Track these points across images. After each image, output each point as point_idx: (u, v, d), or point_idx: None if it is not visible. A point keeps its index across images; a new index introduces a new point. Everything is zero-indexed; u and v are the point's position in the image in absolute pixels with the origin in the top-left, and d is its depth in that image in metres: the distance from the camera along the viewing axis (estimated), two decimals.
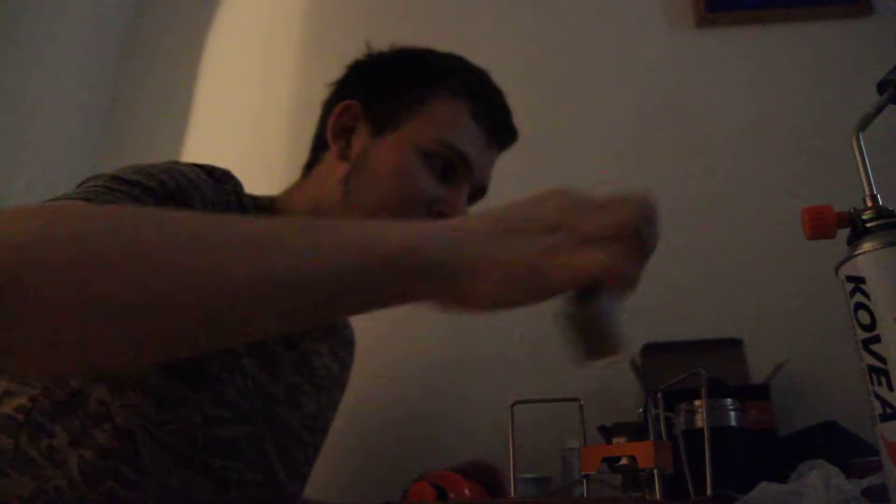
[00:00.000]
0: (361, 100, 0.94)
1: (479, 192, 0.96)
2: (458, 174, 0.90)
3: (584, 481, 0.65)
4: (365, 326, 1.48)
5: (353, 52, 1.01)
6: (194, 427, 0.75)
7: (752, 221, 1.48)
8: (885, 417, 0.53)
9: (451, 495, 0.91)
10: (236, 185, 0.84)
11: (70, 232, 0.44)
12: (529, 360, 1.42)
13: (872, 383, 0.54)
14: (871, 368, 0.54)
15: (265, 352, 0.85)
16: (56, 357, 0.45)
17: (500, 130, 0.97)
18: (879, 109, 0.61)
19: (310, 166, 0.97)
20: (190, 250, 0.45)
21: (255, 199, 0.87)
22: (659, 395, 0.67)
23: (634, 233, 0.51)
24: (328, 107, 0.97)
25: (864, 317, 0.55)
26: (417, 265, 0.48)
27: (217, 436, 0.77)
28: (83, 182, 0.70)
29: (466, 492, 0.92)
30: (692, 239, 1.48)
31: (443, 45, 1.67)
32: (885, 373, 0.53)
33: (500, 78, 1.63)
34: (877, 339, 0.53)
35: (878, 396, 0.53)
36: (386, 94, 0.93)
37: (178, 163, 0.80)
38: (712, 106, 1.59)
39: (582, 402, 0.72)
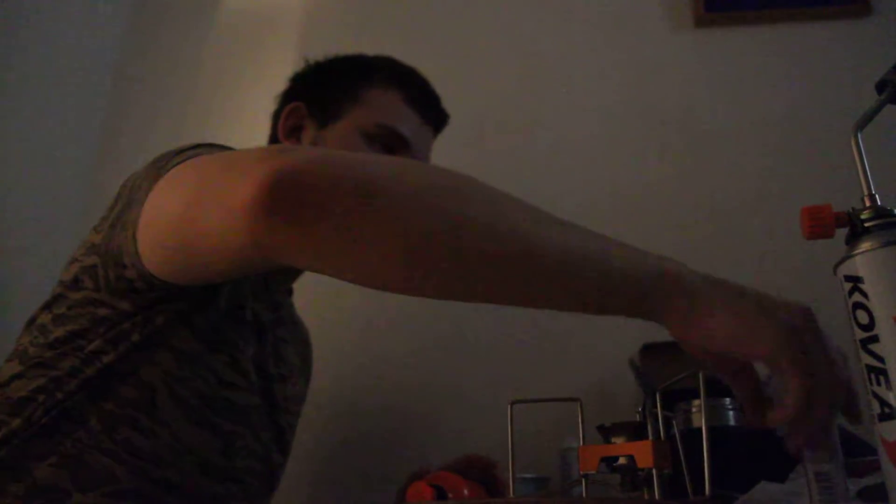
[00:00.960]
0: (305, 101, 1.06)
1: None
2: (398, 152, 1.03)
3: (583, 481, 0.65)
4: (365, 327, 1.48)
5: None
6: (209, 386, 0.81)
7: (751, 220, 1.48)
8: (883, 417, 0.53)
9: (451, 495, 0.91)
10: None
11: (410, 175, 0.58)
12: (528, 360, 1.42)
13: (871, 383, 0.54)
14: (870, 368, 0.54)
15: (264, 331, 0.91)
16: (383, 263, 0.56)
17: (432, 111, 1.10)
18: (878, 109, 0.61)
19: None
20: (498, 215, 0.58)
21: None
22: (658, 394, 0.67)
23: (824, 388, 0.57)
24: (277, 115, 1.08)
25: (863, 316, 0.55)
26: (676, 285, 0.58)
27: (229, 399, 0.84)
28: (186, 150, 0.75)
29: (465, 491, 0.92)
30: (690, 237, 1.48)
31: (444, 48, 1.68)
32: (884, 372, 0.53)
33: (499, 79, 1.64)
34: (875, 339, 0.54)
35: (876, 396, 0.53)
36: (327, 92, 1.05)
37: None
38: (711, 106, 1.59)
39: (582, 403, 0.72)
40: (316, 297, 1.51)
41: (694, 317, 0.58)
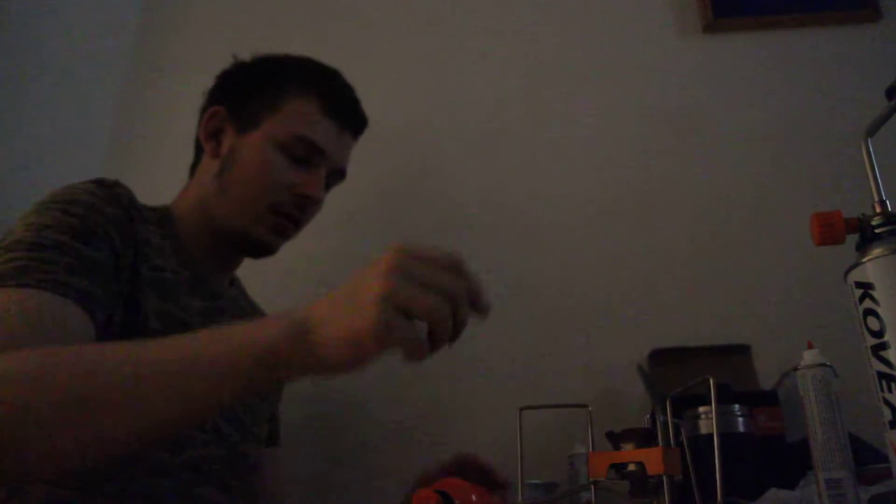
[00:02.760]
0: (226, 105, 1.08)
1: (337, 173, 1.12)
2: (313, 160, 1.05)
3: (592, 487, 0.65)
4: None
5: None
6: None
7: (761, 227, 1.47)
8: (894, 424, 0.53)
9: (458, 502, 0.90)
10: (128, 192, 0.95)
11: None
12: (536, 366, 1.41)
13: (882, 390, 0.54)
14: (881, 375, 0.54)
15: (191, 329, 0.94)
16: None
17: (349, 118, 1.11)
18: (889, 115, 0.61)
19: (193, 167, 1.12)
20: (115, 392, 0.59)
21: (147, 207, 0.99)
22: (668, 401, 0.67)
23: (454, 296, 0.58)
24: (201, 113, 1.10)
25: (874, 323, 0.55)
26: (278, 360, 0.59)
27: None
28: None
29: (473, 497, 0.91)
30: (700, 244, 1.48)
31: (451, 52, 1.68)
32: (895, 379, 0.52)
33: (508, 83, 1.64)
34: (886, 346, 0.53)
35: (887, 403, 0.53)
36: (246, 98, 1.07)
37: (74, 188, 0.88)
38: (720, 111, 1.59)
39: (591, 409, 0.71)
40: None
41: (321, 368, 0.59)
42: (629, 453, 0.63)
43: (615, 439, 0.67)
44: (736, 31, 1.66)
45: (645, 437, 0.64)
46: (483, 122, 1.63)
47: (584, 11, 1.71)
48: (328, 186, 1.11)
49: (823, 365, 0.71)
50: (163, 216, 1.01)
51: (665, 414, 0.65)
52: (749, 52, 1.64)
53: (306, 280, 1.51)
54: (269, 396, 1.15)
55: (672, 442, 0.65)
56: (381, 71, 1.69)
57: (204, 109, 1.11)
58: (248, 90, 1.09)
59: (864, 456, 0.79)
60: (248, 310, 1.16)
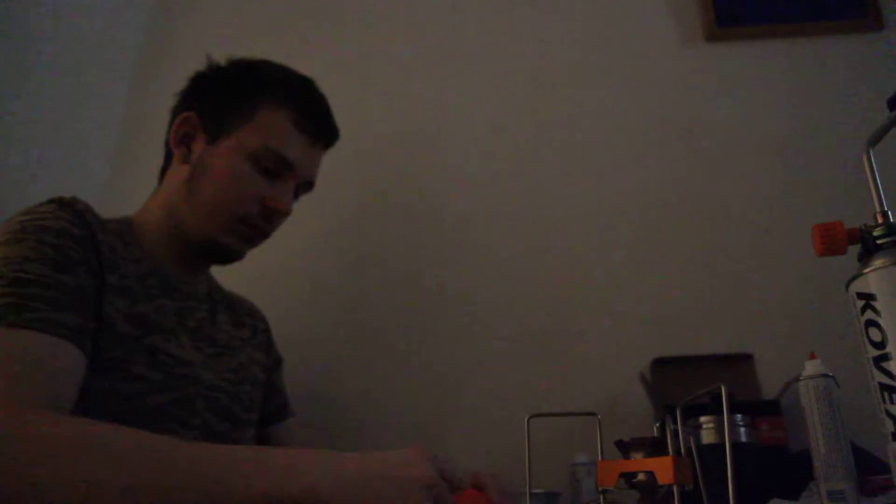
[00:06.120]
0: (198, 111, 1.07)
1: (305, 185, 1.12)
2: (283, 173, 1.06)
3: (602, 497, 0.65)
4: (376, 339, 1.48)
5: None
6: (112, 403, 0.85)
7: (763, 236, 1.48)
8: None
9: None
10: (87, 206, 0.94)
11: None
12: (538, 375, 1.41)
13: (884, 401, 0.54)
14: (883, 386, 0.54)
15: (167, 329, 0.96)
16: None
17: (321, 132, 1.11)
18: (891, 125, 0.61)
19: (163, 172, 1.11)
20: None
21: (106, 220, 0.97)
22: (678, 410, 0.67)
23: None
24: (172, 116, 1.10)
25: (875, 334, 0.55)
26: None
27: (143, 406, 0.88)
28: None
29: None
30: (703, 254, 1.48)
31: (454, 59, 1.69)
32: None
33: (511, 90, 1.65)
34: (888, 357, 0.53)
35: (889, 414, 0.53)
36: (219, 107, 1.07)
37: (37, 214, 0.88)
38: (722, 120, 1.59)
39: (600, 417, 0.71)
40: (329, 313, 1.52)
41: None
42: (639, 462, 0.63)
43: (624, 448, 0.66)
44: (738, 40, 1.67)
45: (653, 446, 0.64)
46: (486, 128, 1.64)
47: (587, 19, 1.72)
48: (296, 196, 1.12)
49: (825, 375, 0.72)
50: (123, 227, 1.01)
51: (675, 423, 0.65)
52: (751, 60, 1.64)
53: (303, 277, 1.52)
54: (261, 379, 1.14)
55: (683, 451, 0.65)
56: (385, 74, 1.70)
57: (175, 112, 1.10)
58: (221, 97, 1.08)
59: (867, 467, 0.79)
60: (222, 304, 1.15)
